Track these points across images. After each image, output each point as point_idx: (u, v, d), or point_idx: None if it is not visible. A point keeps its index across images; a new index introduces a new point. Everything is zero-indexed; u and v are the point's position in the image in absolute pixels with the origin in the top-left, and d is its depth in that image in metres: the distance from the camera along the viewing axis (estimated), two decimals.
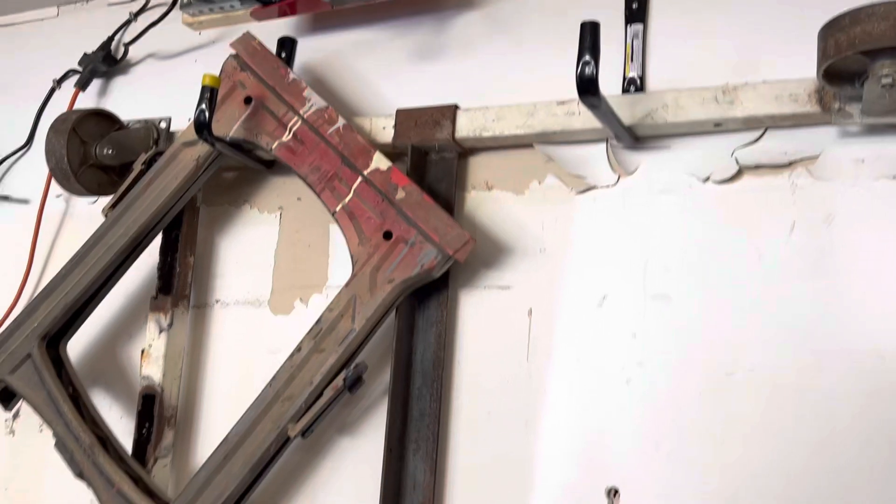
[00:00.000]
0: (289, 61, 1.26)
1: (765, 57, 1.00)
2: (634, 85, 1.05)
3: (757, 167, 0.98)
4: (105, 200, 1.29)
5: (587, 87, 0.87)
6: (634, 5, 1.08)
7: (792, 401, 0.92)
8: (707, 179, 1.00)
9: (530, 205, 1.11)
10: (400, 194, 1.06)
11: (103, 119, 1.24)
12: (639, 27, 1.07)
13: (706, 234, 1.00)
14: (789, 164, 0.97)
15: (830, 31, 0.80)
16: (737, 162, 0.99)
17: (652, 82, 1.06)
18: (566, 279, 1.06)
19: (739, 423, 0.94)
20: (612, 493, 0.98)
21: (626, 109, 1.00)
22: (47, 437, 1.28)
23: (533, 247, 1.09)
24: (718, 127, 0.98)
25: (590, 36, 0.87)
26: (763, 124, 0.97)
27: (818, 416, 0.91)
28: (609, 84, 1.06)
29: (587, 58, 0.86)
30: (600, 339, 1.02)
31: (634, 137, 1.03)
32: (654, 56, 1.06)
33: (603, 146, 1.06)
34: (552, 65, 1.12)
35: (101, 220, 1.24)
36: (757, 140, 0.98)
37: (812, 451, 0.90)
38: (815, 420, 0.91)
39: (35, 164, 1.48)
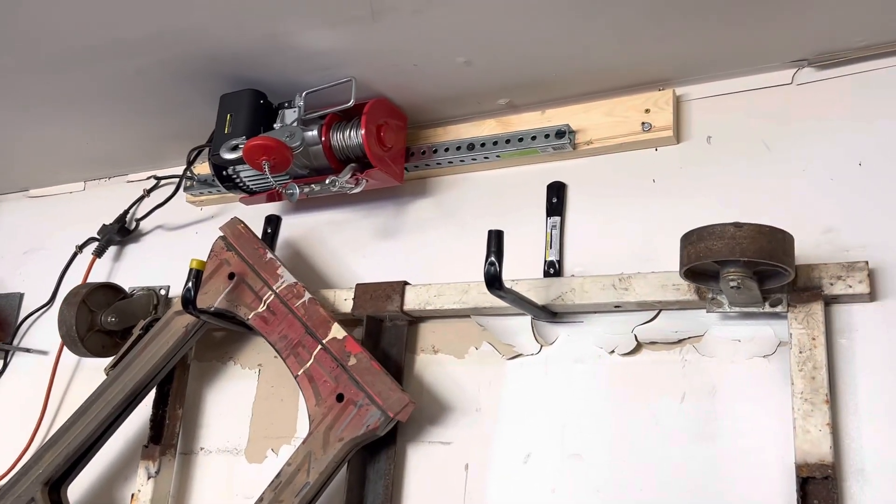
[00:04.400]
0: (274, 235, 1.47)
1: (659, 249, 1.17)
2: (553, 267, 1.22)
3: (653, 343, 1.13)
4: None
5: (492, 283, 1.05)
6: (554, 200, 1.26)
7: None
8: (612, 352, 1.16)
9: (469, 368, 1.26)
10: (352, 361, 1.22)
11: (110, 290, 1.44)
12: (557, 219, 1.25)
13: (613, 401, 1.14)
14: (679, 342, 1.12)
15: (685, 243, 0.97)
16: (636, 338, 1.14)
17: (568, 265, 1.23)
18: (497, 437, 1.20)
19: None
20: None
21: (542, 291, 1.17)
22: None
23: (470, 406, 1.24)
24: (618, 308, 1.14)
25: (494, 241, 1.05)
26: (655, 307, 1.13)
27: None
28: (533, 266, 1.25)
29: (492, 259, 1.04)
30: (525, 493, 1.15)
31: (552, 313, 1.19)
32: (569, 243, 1.24)
33: (528, 319, 1.23)
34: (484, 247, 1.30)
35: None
36: (653, 319, 1.14)
37: None
38: None
39: (56, 320, 1.69)
